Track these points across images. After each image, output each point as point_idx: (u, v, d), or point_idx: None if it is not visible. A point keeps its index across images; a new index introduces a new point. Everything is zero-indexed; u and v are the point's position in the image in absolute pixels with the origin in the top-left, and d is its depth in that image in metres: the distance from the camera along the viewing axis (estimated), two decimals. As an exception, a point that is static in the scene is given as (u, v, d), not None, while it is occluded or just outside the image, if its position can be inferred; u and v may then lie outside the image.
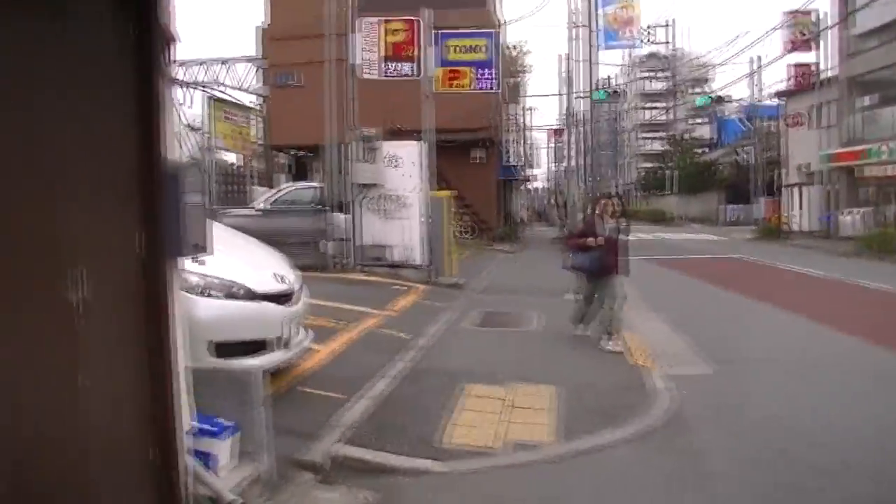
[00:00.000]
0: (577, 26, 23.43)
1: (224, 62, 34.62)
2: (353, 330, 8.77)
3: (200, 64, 34.88)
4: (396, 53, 13.56)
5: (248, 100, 33.45)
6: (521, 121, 38.13)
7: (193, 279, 5.33)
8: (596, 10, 12.45)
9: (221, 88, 32.91)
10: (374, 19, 13.62)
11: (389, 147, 13.99)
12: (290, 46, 25.20)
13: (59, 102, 3.02)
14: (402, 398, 6.16)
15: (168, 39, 3.59)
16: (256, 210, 15.84)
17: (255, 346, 5.65)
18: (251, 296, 5.64)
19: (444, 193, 14.68)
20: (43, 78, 2.96)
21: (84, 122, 3.14)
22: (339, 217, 14.14)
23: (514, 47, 34.33)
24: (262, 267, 6.19)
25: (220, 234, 6.75)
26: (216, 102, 20.82)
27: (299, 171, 28.54)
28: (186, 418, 3.72)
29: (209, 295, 5.40)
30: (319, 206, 14.43)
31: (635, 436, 5.48)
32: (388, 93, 23.07)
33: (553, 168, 68.14)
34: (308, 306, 6.56)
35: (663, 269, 19.05)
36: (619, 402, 6.22)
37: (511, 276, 16.58)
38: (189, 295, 5.24)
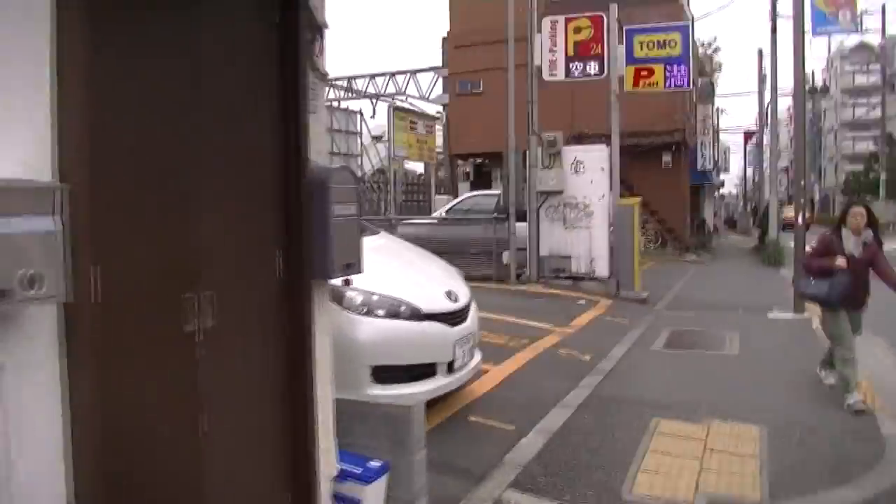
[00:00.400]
0: (778, 16, 21.56)
1: (409, 73, 35.37)
2: (530, 348, 8.16)
3: (387, 76, 35.90)
4: (581, 53, 12.81)
5: (434, 109, 33.95)
6: (713, 123, 35.96)
7: (354, 296, 4.94)
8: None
9: (406, 99, 33.67)
10: (557, 18, 12.96)
11: (573, 152, 13.28)
12: (470, 53, 25.12)
13: (191, 99, 2.63)
14: (582, 433, 5.47)
15: (317, 27, 3.16)
16: (435, 219, 15.64)
17: (421, 372, 5.18)
18: (418, 315, 5.17)
19: (632, 201, 13.77)
20: (176, 71, 2.58)
21: (218, 120, 2.74)
22: (520, 226, 13.58)
23: (705, 45, 32.39)
24: (432, 283, 5.73)
25: (390, 247, 6.39)
26: (398, 112, 20.97)
27: (481, 180, 28.34)
28: (331, 462, 3.27)
29: (371, 314, 4.99)
30: (499, 215, 13.94)
31: (870, 498, 4.47)
32: (573, 97, 22.38)
33: (747, 172, 64.25)
34: (478, 324, 6.04)
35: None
36: (845, 451, 5.19)
37: (703, 290, 15.30)
38: (349, 314, 4.88)
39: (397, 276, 5.52)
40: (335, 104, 31.75)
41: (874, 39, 53.74)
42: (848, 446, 5.32)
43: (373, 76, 36.66)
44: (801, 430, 5.59)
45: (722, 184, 56.69)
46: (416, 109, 26.25)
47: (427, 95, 34.76)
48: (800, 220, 11.83)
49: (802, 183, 11.97)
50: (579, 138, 19.08)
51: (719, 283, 17.10)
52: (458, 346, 5.44)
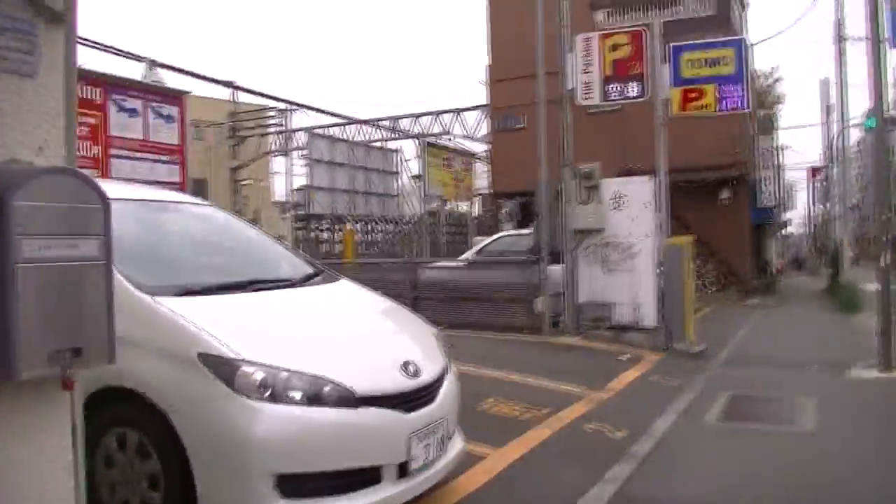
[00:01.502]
0: (847, 38, 19.73)
1: (455, 111, 34.44)
2: (549, 422, 6.50)
3: (433, 115, 35.02)
4: (619, 73, 11.23)
5: (481, 148, 32.79)
6: (776, 157, 33.77)
7: (251, 374, 3.45)
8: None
9: (453, 138, 32.65)
10: (591, 35, 11.45)
11: (613, 185, 11.67)
12: (512, 87, 23.74)
13: None
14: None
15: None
16: (462, 262, 14.11)
17: (356, 479, 3.63)
18: (349, 399, 3.63)
19: (683, 240, 12.03)
20: None
21: None
22: (555, 269, 11.95)
23: (765, 75, 30.41)
24: (382, 350, 4.18)
25: (335, 298, 4.84)
26: (431, 149, 19.71)
27: (525, 219, 26.80)
28: None
29: (278, 399, 3.46)
30: (530, 257, 12.34)
31: None
32: (624, 130, 20.81)
33: (813, 210, 61.07)
34: (455, 398, 4.43)
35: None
36: None
37: (769, 342, 13.37)
38: (243, 400, 3.37)
39: (327, 342, 4.01)
40: (378, 145, 30.84)
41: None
42: None
43: (417, 116, 35.87)
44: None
45: (786, 223, 53.84)
46: (451, 146, 25.01)
47: (473, 134, 33.72)
48: (883, 261, 9.93)
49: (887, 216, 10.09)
50: (629, 174, 17.42)
51: (787, 333, 15.11)
52: (419, 439, 3.88)
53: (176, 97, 10.77)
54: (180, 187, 10.54)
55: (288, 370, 3.53)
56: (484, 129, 32.19)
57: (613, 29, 11.46)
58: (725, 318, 16.28)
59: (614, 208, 11.57)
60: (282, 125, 35.65)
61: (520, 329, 11.74)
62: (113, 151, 9.55)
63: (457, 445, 4.43)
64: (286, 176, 35.55)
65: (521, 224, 25.91)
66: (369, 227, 25.47)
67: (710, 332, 12.06)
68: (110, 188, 5.63)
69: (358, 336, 4.28)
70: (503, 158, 26.10)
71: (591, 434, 6.31)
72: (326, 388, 3.58)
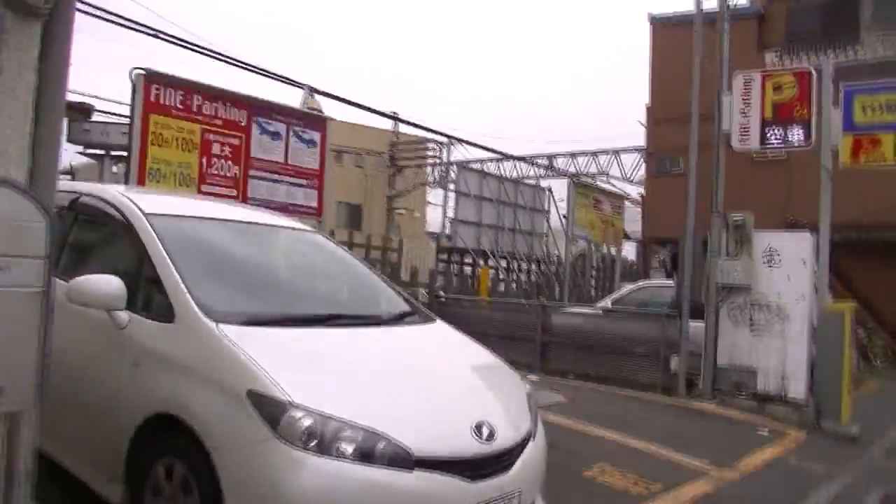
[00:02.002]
0: None
1: (612, 152, 33.90)
2: (660, 502, 5.83)
3: (589, 155, 34.63)
4: (781, 116, 10.27)
5: (637, 192, 31.92)
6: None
7: (298, 419, 3.14)
8: None
9: (608, 180, 32.04)
10: (752, 74, 10.57)
11: (766, 239, 10.65)
12: (672, 129, 22.77)
13: None
14: None
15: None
16: (597, 309, 13.43)
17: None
18: (405, 460, 3.24)
19: (844, 306, 10.83)
20: None
21: None
22: (695, 326, 11.07)
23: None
24: (457, 406, 3.75)
25: (419, 343, 4.50)
26: (580, 188, 19.12)
27: (675, 268, 25.59)
28: None
29: (324, 451, 3.12)
30: (669, 311, 11.51)
31: None
32: (788, 179, 19.47)
33: None
34: (538, 467, 3.94)
35: None
36: None
37: (943, 429, 11.75)
38: (289, 447, 3.06)
39: (396, 392, 3.64)
40: (531, 182, 30.55)
41: None
42: None
43: (574, 155, 35.55)
44: None
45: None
46: (602, 188, 24.30)
47: (631, 177, 32.91)
48: None
49: None
50: (792, 227, 16.14)
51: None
52: (486, 512, 3.43)
53: (319, 122, 10.89)
54: (317, 213, 10.60)
55: (340, 420, 3.19)
56: (641, 172, 31.28)
57: (778, 69, 10.57)
58: (891, 398, 14.57)
59: (766, 264, 10.57)
60: (439, 158, 36.26)
61: (651, 388, 10.97)
62: (252, 172, 9.71)
63: (538, 515, 3.95)
64: (442, 208, 36.05)
65: (672, 273, 24.75)
66: (512, 266, 25.10)
67: (869, 413, 10.71)
68: (201, 206, 5.59)
69: (433, 388, 3.87)
70: (657, 203, 25.13)
71: (708, 520, 5.58)
72: (380, 445, 3.20)
